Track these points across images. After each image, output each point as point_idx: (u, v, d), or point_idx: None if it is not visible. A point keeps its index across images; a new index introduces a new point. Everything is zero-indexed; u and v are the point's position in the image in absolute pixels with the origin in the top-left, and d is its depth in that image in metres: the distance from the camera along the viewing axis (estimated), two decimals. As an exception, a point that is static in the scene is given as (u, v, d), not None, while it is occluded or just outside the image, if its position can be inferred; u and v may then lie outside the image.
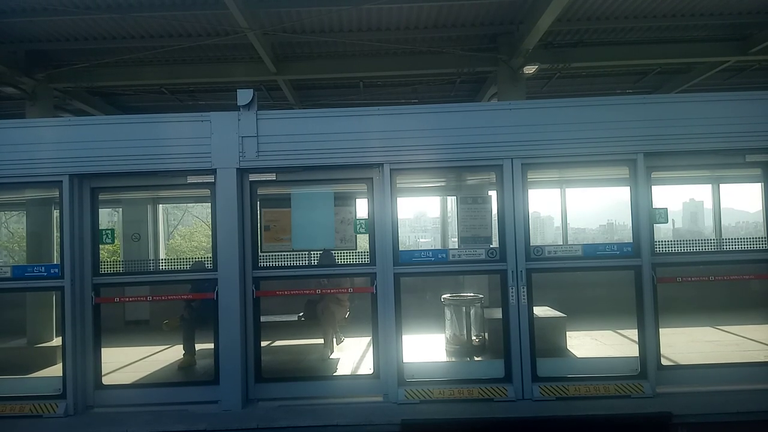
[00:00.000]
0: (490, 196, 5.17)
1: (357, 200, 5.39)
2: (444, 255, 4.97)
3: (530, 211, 4.94)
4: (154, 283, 5.46)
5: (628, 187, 4.90)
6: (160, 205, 10.66)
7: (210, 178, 4.87)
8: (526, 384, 4.70)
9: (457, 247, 5.22)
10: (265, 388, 4.88)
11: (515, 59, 8.36)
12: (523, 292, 4.74)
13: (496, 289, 4.95)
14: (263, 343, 5.13)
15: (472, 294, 6.83)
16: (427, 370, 4.95)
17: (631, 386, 4.67)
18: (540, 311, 6.38)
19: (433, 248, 5.12)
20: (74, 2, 7.05)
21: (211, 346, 4.85)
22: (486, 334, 6.56)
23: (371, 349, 4.97)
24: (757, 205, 5.51)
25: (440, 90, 11.40)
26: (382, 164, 4.82)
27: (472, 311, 6.56)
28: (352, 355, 6.33)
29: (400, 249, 4.85)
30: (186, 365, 6.18)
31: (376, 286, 4.84)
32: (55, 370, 5.30)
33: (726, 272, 5.29)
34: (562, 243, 9.34)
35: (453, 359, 6.30)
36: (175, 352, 6.66)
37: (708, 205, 9.44)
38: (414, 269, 4.89)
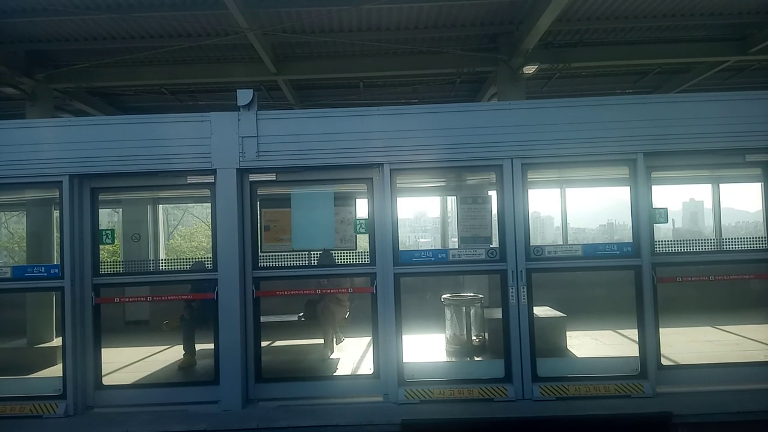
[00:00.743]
0: (490, 196, 5.18)
1: (357, 200, 5.39)
2: (444, 255, 4.97)
3: (530, 211, 4.94)
4: (154, 283, 5.46)
5: (628, 187, 4.91)
6: (160, 206, 10.67)
7: (210, 179, 4.87)
8: (526, 384, 4.70)
9: (457, 247, 5.22)
10: (265, 388, 4.88)
11: (515, 59, 8.36)
12: (523, 292, 4.75)
13: (496, 289, 4.95)
14: (263, 344, 5.13)
15: (472, 294, 6.83)
16: (427, 370, 4.95)
17: (631, 386, 4.67)
18: (540, 311, 6.38)
19: (433, 248, 5.12)
20: (74, 2, 7.05)
21: (211, 346, 4.85)
22: (486, 334, 6.56)
23: (371, 349, 4.97)
24: (757, 205, 5.51)
25: (440, 90, 11.40)
26: (382, 164, 4.82)
27: (472, 311, 6.56)
28: (352, 355, 6.33)
29: (400, 249, 4.85)
30: (186, 365, 6.18)
31: (376, 286, 4.84)
32: (55, 371, 5.30)
33: (726, 272, 5.29)
34: (562, 243, 9.34)
35: (453, 359, 6.30)
36: (175, 353, 6.66)
37: (708, 204, 9.45)
38: (414, 269, 4.89)
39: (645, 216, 4.81)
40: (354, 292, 5.67)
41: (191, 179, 4.96)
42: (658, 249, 4.87)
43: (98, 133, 4.85)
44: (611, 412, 4.38)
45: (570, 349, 6.28)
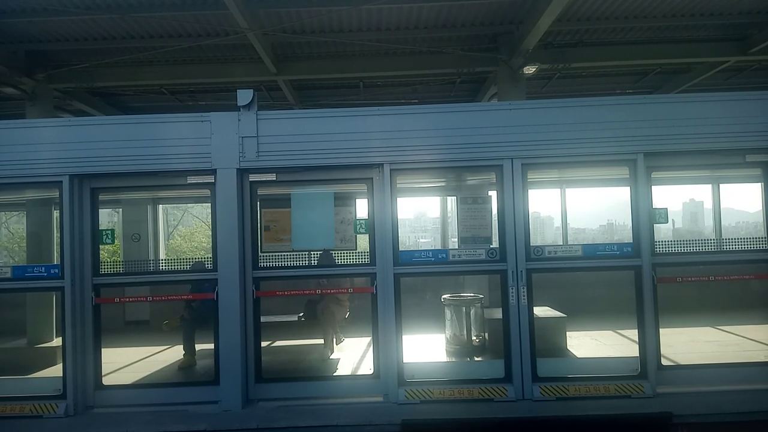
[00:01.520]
0: (490, 196, 5.18)
1: (357, 200, 5.39)
2: (444, 255, 4.97)
3: (530, 211, 4.94)
4: (154, 283, 5.46)
5: (628, 187, 4.90)
6: (160, 206, 10.66)
7: (210, 179, 4.87)
8: (526, 384, 4.70)
9: (457, 247, 5.22)
10: (265, 388, 4.88)
11: (515, 59, 8.36)
12: (523, 292, 4.74)
13: (496, 289, 4.95)
14: (263, 344, 5.13)
15: (472, 294, 6.83)
16: (428, 371, 4.95)
17: (631, 386, 4.67)
18: (540, 311, 6.38)
19: (433, 248, 5.12)
20: (74, 2, 7.05)
21: (211, 346, 4.85)
22: (486, 335, 6.56)
23: (371, 349, 4.97)
24: (757, 205, 5.51)
25: (440, 90, 11.39)
26: (382, 164, 4.82)
27: (472, 311, 6.56)
28: (352, 356, 6.33)
29: (400, 249, 4.85)
30: (186, 365, 6.18)
31: (376, 287, 4.84)
32: (55, 371, 5.29)
33: (726, 272, 5.29)
34: (562, 243, 9.34)
35: (453, 359, 6.30)
36: (175, 353, 6.66)
37: (708, 205, 9.45)
38: (414, 269, 4.89)
39: (645, 216, 4.81)
40: (354, 292, 5.67)
41: (191, 179, 4.96)
42: (658, 249, 4.87)
43: (98, 133, 4.85)
44: (611, 413, 4.38)
45: (570, 350, 6.28)
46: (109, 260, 11.84)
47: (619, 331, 6.92)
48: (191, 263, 5.97)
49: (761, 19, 8.23)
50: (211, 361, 4.87)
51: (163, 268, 6.24)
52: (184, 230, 26.86)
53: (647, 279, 4.74)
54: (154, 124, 4.94)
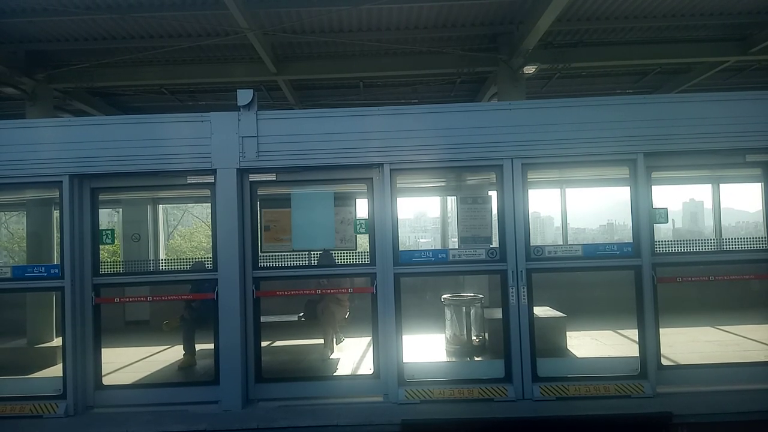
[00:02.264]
0: (490, 196, 5.18)
1: (357, 200, 5.39)
2: (444, 255, 4.97)
3: (530, 211, 4.94)
4: (154, 283, 5.47)
5: (628, 187, 4.90)
6: (160, 206, 10.67)
7: (210, 179, 4.87)
8: (526, 384, 4.70)
9: (457, 247, 5.22)
10: (265, 388, 4.88)
11: (515, 59, 8.36)
12: (523, 292, 4.74)
13: (496, 289, 4.95)
14: (263, 344, 5.13)
15: (472, 294, 6.83)
16: (428, 370, 4.95)
17: (631, 386, 4.67)
18: (540, 311, 6.38)
19: (433, 248, 5.12)
20: (74, 2, 7.05)
21: (211, 346, 4.85)
22: (486, 334, 6.56)
23: (371, 349, 4.97)
24: (757, 205, 5.51)
25: (440, 90, 11.39)
26: (382, 164, 4.82)
27: (472, 311, 6.56)
28: (352, 355, 6.33)
29: (400, 249, 4.85)
30: (186, 365, 6.18)
31: (376, 286, 4.84)
32: (56, 371, 5.30)
33: (726, 272, 5.29)
34: (562, 243, 9.34)
35: (453, 359, 6.30)
36: (175, 353, 6.66)
37: (708, 205, 9.45)
38: (414, 269, 4.89)
39: (645, 216, 4.81)
40: (354, 292, 5.67)
41: (191, 179, 4.96)
42: (658, 249, 4.87)
43: (98, 133, 4.85)
44: (611, 413, 4.38)
45: (570, 350, 6.28)
46: (109, 260, 11.84)
47: (619, 331, 6.92)
48: (191, 263, 5.97)
49: (761, 18, 8.23)
50: (211, 361, 4.87)
51: (163, 268, 6.23)
52: (184, 230, 26.86)
53: (647, 279, 4.74)
54: (154, 124, 4.94)
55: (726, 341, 6.69)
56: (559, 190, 9.72)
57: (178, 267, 5.44)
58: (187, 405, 4.74)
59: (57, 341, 6.78)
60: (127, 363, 6.30)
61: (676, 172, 6.09)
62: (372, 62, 9.34)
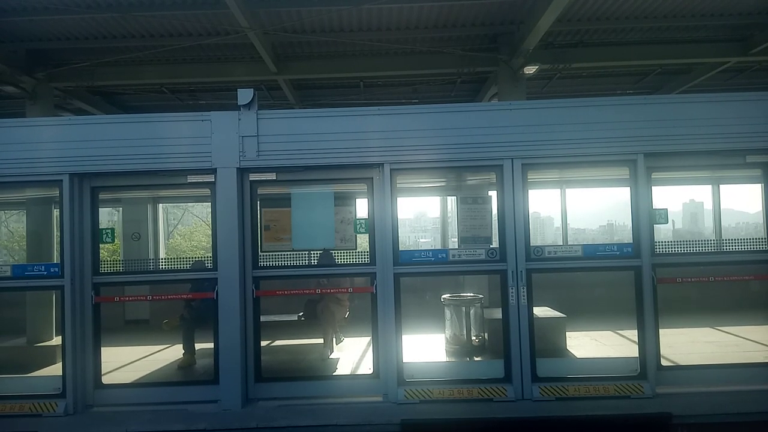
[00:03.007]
0: (490, 196, 5.18)
1: (357, 200, 5.39)
2: (444, 255, 4.97)
3: (530, 212, 4.94)
4: (154, 282, 5.48)
5: (629, 188, 4.90)
6: (160, 205, 10.67)
7: (210, 178, 4.87)
8: (525, 384, 4.70)
9: (457, 247, 5.22)
10: (264, 387, 4.88)
11: (515, 59, 8.36)
12: (523, 292, 4.74)
13: (496, 289, 4.95)
14: (263, 343, 5.13)
15: (472, 294, 6.83)
16: (427, 370, 4.95)
17: (630, 387, 4.67)
18: (540, 311, 6.38)
19: (433, 248, 5.12)
20: (75, 1, 7.04)
21: (211, 345, 4.85)
22: (486, 335, 6.56)
23: (371, 349, 4.97)
24: (757, 206, 5.51)
25: (440, 90, 11.39)
26: (382, 164, 4.82)
27: (472, 311, 6.56)
28: (351, 355, 6.33)
29: (400, 249, 4.85)
30: (186, 365, 6.18)
31: (375, 286, 4.84)
32: (55, 369, 5.30)
33: (726, 273, 5.29)
34: (562, 243, 9.34)
35: (453, 359, 6.30)
36: (174, 352, 6.66)
37: (708, 205, 9.46)
38: (414, 269, 4.89)
39: (645, 217, 4.81)
40: (354, 292, 5.67)
41: (191, 178, 4.96)
42: (658, 250, 4.87)
43: (98, 132, 4.85)
44: (611, 413, 4.38)
45: (570, 350, 6.28)
46: (109, 259, 11.84)
47: (618, 331, 6.92)
48: (191, 262, 5.98)
49: (762, 19, 8.23)
50: (211, 361, 4.87)
51: (163, 267, 6.23)
52: (184, 229, 26.85)
53: (647, 279, 4.74)
54: (154, 123, 4.94)
55: (726, 342, 6.69)
56: (559, 190, 9.73)
57: (178, 266, 5.44)
58: (186, 404, 4.74)
59: (57, 340, 6.78)
60: (127, 362, 6.30)
61: (676, 173, 6.10)
62: (372, 62, 9.34)
